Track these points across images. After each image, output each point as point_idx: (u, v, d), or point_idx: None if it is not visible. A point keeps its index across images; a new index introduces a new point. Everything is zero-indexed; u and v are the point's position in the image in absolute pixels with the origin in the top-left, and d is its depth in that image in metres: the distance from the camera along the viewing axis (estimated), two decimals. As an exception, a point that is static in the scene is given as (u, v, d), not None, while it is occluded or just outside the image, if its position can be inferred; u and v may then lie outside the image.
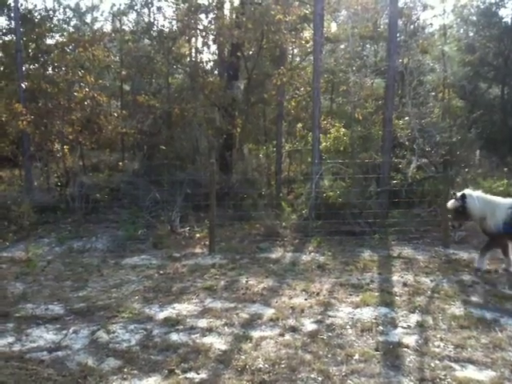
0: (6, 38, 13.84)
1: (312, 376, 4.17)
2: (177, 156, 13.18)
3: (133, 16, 17.19)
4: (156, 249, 8.59)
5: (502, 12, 22.01)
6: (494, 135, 17.34)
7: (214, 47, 14.37)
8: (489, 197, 7.10)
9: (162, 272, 7.22)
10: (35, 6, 14.02)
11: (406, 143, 11.12)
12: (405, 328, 5.19)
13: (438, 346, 4.74)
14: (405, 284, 6.62)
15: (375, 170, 10.64)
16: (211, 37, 13.47)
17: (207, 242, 8.61)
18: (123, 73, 14.63)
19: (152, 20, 14.48)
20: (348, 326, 5.21)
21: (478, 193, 7.07)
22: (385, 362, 4.41)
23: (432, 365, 4.36)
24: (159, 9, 14.18)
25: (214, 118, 13.51)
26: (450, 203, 7.12)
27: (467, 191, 7.03)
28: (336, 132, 12.73)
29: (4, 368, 4.30)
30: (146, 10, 15.74)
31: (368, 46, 16.36)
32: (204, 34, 13.47)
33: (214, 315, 5.54)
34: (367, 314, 5.58)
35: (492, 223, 6.83)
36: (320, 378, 4.13)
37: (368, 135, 12.47)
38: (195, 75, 13.46)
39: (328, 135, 12.81)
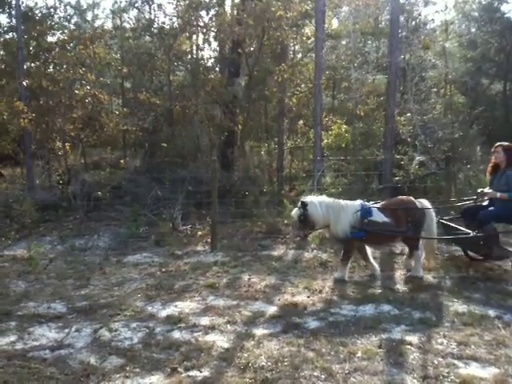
0: (7, 36, 13.83)
1: (315, 374, 4.16)
2: (178, 153, 13.16)
3: (133, 13, 17.20)
4: (158, 246, 8.58)
5: (503, 7, 22.01)
6: (496, 131, 17.30)
7: (214, 44, 14.39)
8: (333, 201, 6.69)
9: (164, 270, 7.21)
10: (36, 3, 14.07)
11: (408, 140, 11.11)
12: (407, 325, 5.17)
13: (441, 344, 4.72)
14: (407, 281, 6.61)
15: (377, 166, 10.63)
16: (212, 34, 13.47)
17: (209, 240, 8.60)
18: (124, 70, 14.60)
19: (153, 17, 14.45)
20: (351, 324, 5.20)
21: (321, 198, 6.69)
22: (388, 360, 4.39)
23: (435, 362, 4.35)
24: (160, 6, 14.19)
25: (215, 115, 13.49)
26: (293, 212, 6.72)
27: (308, 198, 6.64)
28: (338, 129, 12.72)
29: (7, 367, 4.30)
30: (146, 7, 15.70)
31: (369, 42, 16.32)
32: (205, 30, 13.47)
33: (216, 313, 5.53)
34: (370, 311, 5.56)
35: (338, 229, 6.51)
36: (323, 376, 4.12)
37: (370, 132, 12.47)
38: (196, 72, 13.44)
39: (330, 132, 12.80)
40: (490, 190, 6.74)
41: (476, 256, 7.27)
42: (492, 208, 6.70)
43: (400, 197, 7.17)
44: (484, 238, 6.60)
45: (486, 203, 6.89)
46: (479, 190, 7.00)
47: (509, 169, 6.55)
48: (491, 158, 6.97)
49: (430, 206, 6.95)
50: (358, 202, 6.76)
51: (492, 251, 6.73)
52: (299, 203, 6.60)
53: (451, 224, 7.20)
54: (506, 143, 6.85)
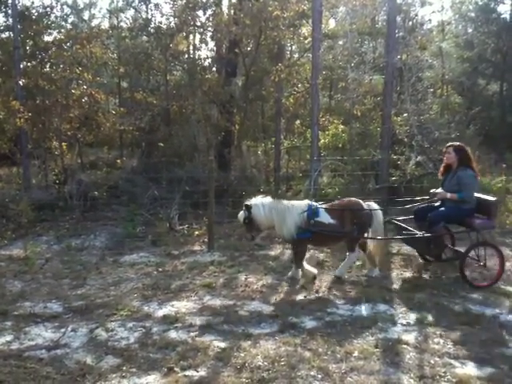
0: (4, 36, 13.79)
1: (311, 373, 4.16)
2: (175, 153, 13.14)
3: (130, 13, 17.20)
4: (155, 246, 8.57)
5: (500, 8, 21.91)
6: (493, 131, 17.36)
7: (211, 44, 14.39)
8: (278, 203, 6.64)
9: (160, 269, 7.20)
10: (33, 2, 14.04)
11: (405, 140, 11.13)
12: (404, 325, 5.19)
13: (438, 343, 4.74)
14: (404, 281, 6.63)
15: (374, 166, 10.64)
16: (209, 33, 13.48)
17: (206, 240, 8.59)
18: (121, 70, 14.59)
19: (149, 17, 14.44)
20: (347, 323, 5.21)
21: (266, 200, 6.62)
22: (384, 359, 4.40)
23: (432, 362, 4.36)
24: (157, 5, 14.17)
25: (212, 114, 13.48)
26: (239, 215, 6.67)
27: (253, 200, 6.59)
28: (334, 129, 12.73)
29: (2, 366, 4.29)
30: (143, 7, 15.71)
31: (366, 42, 16.34)
32: (202, 30, 13.47)
33: (212, 313, 5.53)
34: (366, 310, 5.57)
35: (284, 230, 6.47)
36: (319, 376, 4.13)
37: (366, 132, 12.48)
38: (193, 72, 13.43)
39: (326, 132, 12.80)
40: (441, 191, 6.65)
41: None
42: (442, 209, 6.63)
43: (348, 198, 7.13)
44: (433, 239, 6.55)
45: (437, 204, 6.81)
46: (431, 191, 6.94)
47: (460, 169, 6.46)
48: (443, 158, 6.92)
49: (377, 208, 6.90)
50: (306, 202, 6.74)
51: (442, 252, 6.71)
52: (244, 206, 6.59)
53: (402, 224, 7.14)
54: (457, 143, 6.79)
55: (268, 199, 6.68)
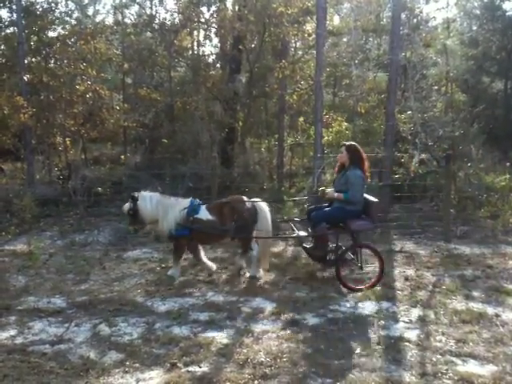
0: (8, 31, 13.76)
1: (313, 370, 4.17)
2: (178, 149, 13.16)
3: (135, 9, 17.18)
4: (158, 242, 8.58)
5: (505, 5, 21.91)
6: (497, 130, 17.30)
7: (215, 40, 14.39)
8: (165, 198, 6.63)
9: (163, 265, 7.22)
10: (37, -2, 13.95)
11: (409, 137, 11.10)
12: (406, 322, 5.20)
13: (440, 341, 4.74)
14: (406, 278, 6.63)
15: (377, 164, 10.62)
16: (213, 30, 13.44)
17: (209, 236, 8.59)
18: (125, 66, 14.57)
19: (154, 13, 14.42)
20: (349, 321, 5.22)
21: (154, 194, 6.62)
22: (386, 357, 4.41)
23: (433, 359, 4.37)
24: (161, 1, 14.05)
25: (215, 111, 13.48)
26: (124, 206, 6.60)
27: (142, 192, 6.54)
28: (338, 126, 12.71)
29: (6, 361, 4.32)
30: (147, 3, 15.74)
31: (371, 39, 16.26)
32: (206, 26, 13.45)
33: (215, 309, 5.55)
34: (369, 308, 5.58)
35: (164, 225, 6.42)
36: (321, 372, 4.14)
37: (370, 129, 12.45)
38: (197, 68, 13.42)
39: (330, 129, 12.78)
40: (331, 190, 6.55)
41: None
42: (327, 209, 6.55)
43: (233, 196, 7.10)
44: (316, 239, 6.47)
45: (328, 203, 6.70)
46: (320, 189, 6.77)
47: (350, 168, 6.34)
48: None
49: (264, 207, 6.76)
50: (189, 199, 6.67)
51: (325, 253, 6.51)
52: (130, 197, 6.55)
53: (291, 224, 7.05)
54: (349, 143, 6.73)
55: (156, 193, 6.66)
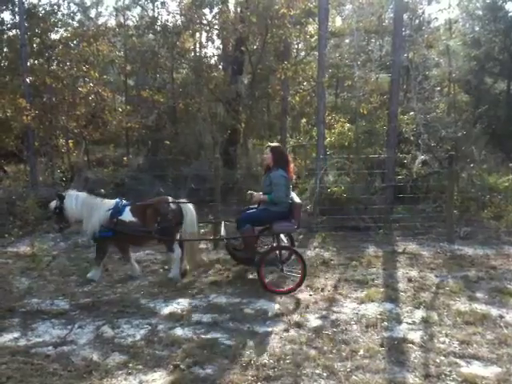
0: (11, 33, 13.82)
1: (317, 372, 4.17)
2: (181, 151, 13.17)
3: (137, 11, 17.26)
4: (161, 244, 8.58)
5: (508, 6, 21.81)
6: (500, 130, 17.23)
7: (218, 42, 14.36)
8: (91, 198, 6.58)
9: (166, 267, 7.22)
10: (40, 0, 13.94)
11: (411, 138, 11.08)
12: (410, 324, 5.18)
13: (443, 342, 4.73)
14: (410, 280, 6.61)
15: (380, 165, 10.60)
16: (215, 31, 13.45)
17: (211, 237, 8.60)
18: (127, 68, 14.61)
19: (156, 15, 14.47)
20: (353, 322, 5.21)
21: (81, 193, 6.59)
22: (390, 358, 4.40)
23: (437, 361, 4.36)
24: (163, 3, 14.07)
25: (218, 112, 13.48)
26: (51, 204, 6.60)
27: (69, 191, 6.58)
28: (340, 127, 12.69)
29: (10, 362, 4.32)
30: (150, 5, 15.76)
31: (373, 40, 16.24)
32: (208, 28, 13.45)
33: (218, 310, 5.55)
34: (372, 309, 5.57)
35: (89, 226, 6.39)
36: (325, 374, 4.13)
37: (373, 130, 12.43)
38: (199, 70, 13.43)
39: (332, 130, 12.77)
40: (258, 193, 6.48)
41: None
42: (252, 210, 6.56)
43: (159, 197, 7.08)
44: (243, 241, 6.48)
45: (256, 205, 6.67)
46: (248, 192, 6.68)
47: (274, 169, 6.33)
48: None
49: (190, 208, 6.74)
50: (115, 200, 6.64)
51: (252, 255, 6.44)
52: (56, 195, 6.55)
53: (222, 226, 6.99)
54: (274, 144, 6.74)
55: (83, 193, 6.65)
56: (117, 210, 6.44)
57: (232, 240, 6.83)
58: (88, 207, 6.46)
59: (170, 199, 6.82)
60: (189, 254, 6.77)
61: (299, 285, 6.16)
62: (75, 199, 6.46)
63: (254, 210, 6.58)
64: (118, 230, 6.37)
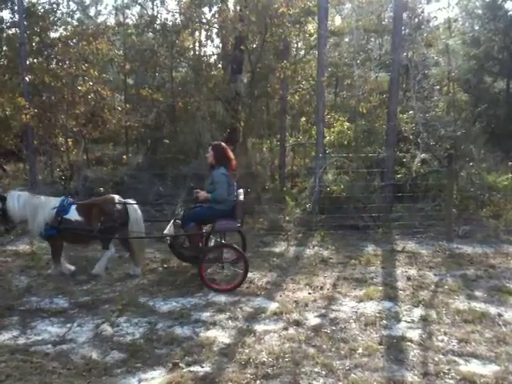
0: (10, 32, 13.78)
1: (315, 370, 4.18)
2: (180, 150, 13.16)
3: (136, 9, 17.20)
4: (160, 242, 8.58)
5: (507, 5, 21.80)
6: (499, 129, 17.24)
7: (217, 40, 14.37)
8: (33, 198, 6.58)
9: (165, 266, 7.23)
10: (39, -1, 13.94)
11: (411, 137, 11.08)
12: (408, 322, 5.19)
13: (442, 341, 4.74)
14: (408, 278, 6.63)
15: (379, 164, 10.61)
16: (215, 30, 13.44)
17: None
18: (127, 66, 14.58)
19: (155, 13, 14.42)
20: (352, 320, 5.22)
21: (23, 193, 6.59)
22: (388, 356, 4.41)
23: (436, 359, 4.36)
24: (162, 2, 14.06)
25: (217, 111, 13.47)
26: None
27: (11, 192, 6.57)
28: (340, 126, 12.70)
29: (9, 361, 4.32)
30: (149, 4, 15.71)
31: (372, 39, 16.23)
32: (207, 27, 13.44)
33: (217, 309, 5.55)
34: (371, 308, 5.58)
35: (34, 225, 6.41)
36: (323, 372, 4.14)
37: (372, 129, 12.44)
38: (199, 69, 13.42)
39: (332, 129, 12.78)
40: (203, 191, 6.52)
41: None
42: (197, 208, 6.59)
43: (105, 196, 7.08)
44: (188, 239, 6.53)
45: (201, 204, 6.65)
46: (195, 191, 6.71)
47: (216, 167, 6.37)
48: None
49: (135, 208, 6.73)
50: (60, 198, 6.64)
51: (196, 253, 6.44)
52: None
53: (169, 224, 6.93)
54: (215, 142, 6.75)
55: (25, 193, 6.65)
56: (62, 209, 6.45)
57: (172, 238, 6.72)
58: (31, 206, 6.47)
59: (117, 199, 6.78)
60: (137, 254, 6.78)
61: (240, 283, 6.21)
62: (17, 199, 6.48)
63: (198, 209, 6.60)
64: (62, 228, 6.38)
